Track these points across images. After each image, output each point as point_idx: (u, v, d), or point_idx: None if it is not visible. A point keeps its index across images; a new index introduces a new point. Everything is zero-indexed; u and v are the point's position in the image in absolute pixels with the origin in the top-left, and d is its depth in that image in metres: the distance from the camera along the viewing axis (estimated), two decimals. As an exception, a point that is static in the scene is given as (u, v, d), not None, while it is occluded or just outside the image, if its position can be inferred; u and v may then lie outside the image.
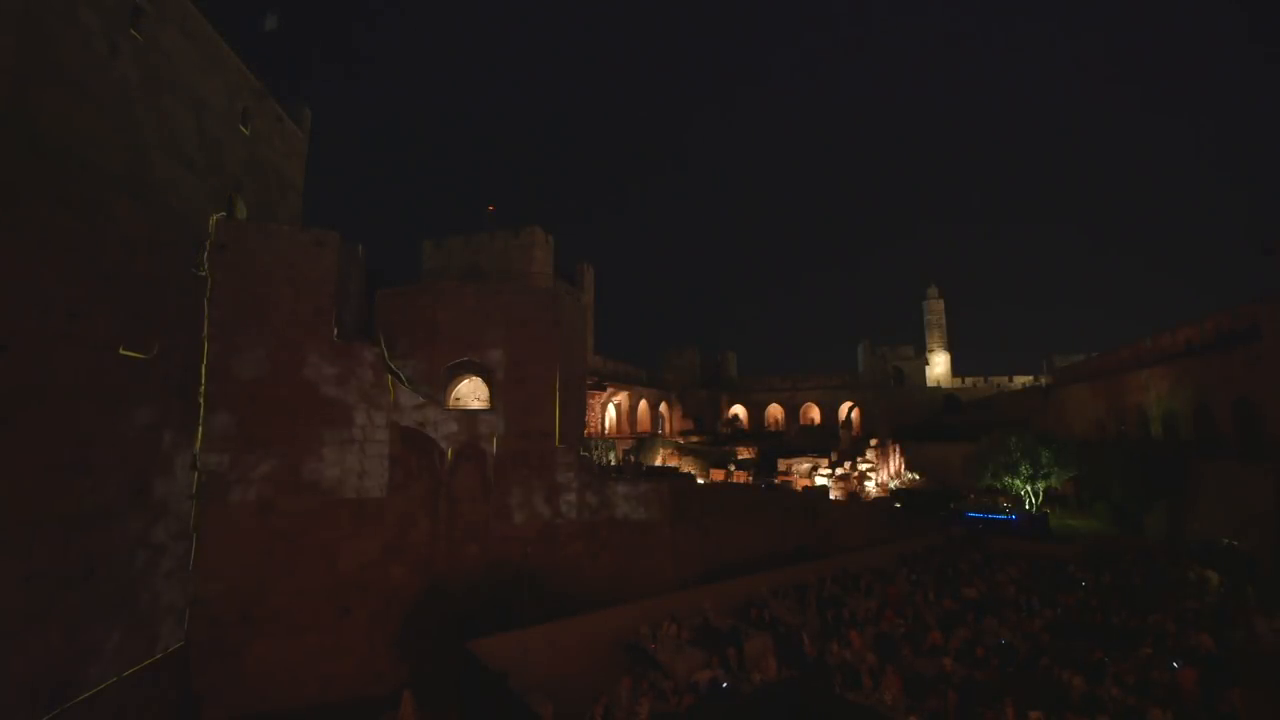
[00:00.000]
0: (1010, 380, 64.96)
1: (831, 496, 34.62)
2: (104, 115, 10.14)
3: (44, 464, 9.06)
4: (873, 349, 65.72)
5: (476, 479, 14.85)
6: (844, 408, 63.39)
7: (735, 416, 65.13)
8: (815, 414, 65.19)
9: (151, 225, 11.29)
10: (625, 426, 50.65)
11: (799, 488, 37.53)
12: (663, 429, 57.53)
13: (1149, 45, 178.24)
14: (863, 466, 41.54)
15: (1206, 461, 26.08)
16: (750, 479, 40.27)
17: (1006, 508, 32.83)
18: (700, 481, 37.58)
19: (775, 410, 66.43)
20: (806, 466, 42.14)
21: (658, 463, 44.58)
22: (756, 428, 63.36)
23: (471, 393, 17.19)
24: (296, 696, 12.55)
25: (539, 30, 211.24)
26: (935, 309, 75.23)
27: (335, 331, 13.98)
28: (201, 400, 12.75)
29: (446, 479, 14.55)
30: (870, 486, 39.90)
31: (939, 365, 72.52)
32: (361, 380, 13.96)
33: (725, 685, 11.08)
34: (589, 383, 29.44)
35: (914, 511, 31.49)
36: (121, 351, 10.44)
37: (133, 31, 10.85)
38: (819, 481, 39.72)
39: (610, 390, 47.32)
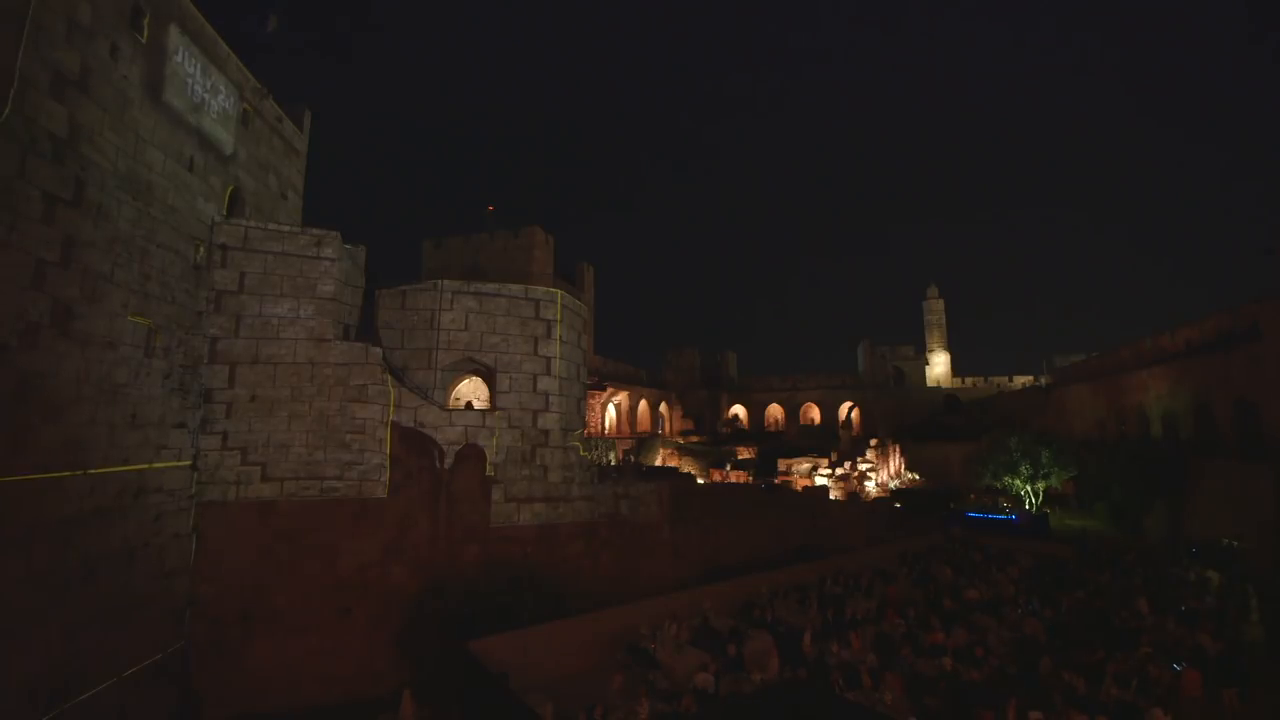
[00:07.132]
0: (1010, 380, 65.02)
1: (831, 496, 34.64)
2: (104, 115, 10.14)
3: (43, 464, 9.06)
4: (873, 349, 65.75)
5: (476, 479, 14.84)
6: (844, 408, 63.40)
7: (735, 416, 65.13)
8: (815, 414, 65.20)
9: (151, 225, 11.29)
10: (625, 426, 50.64)
11: (799, 488, 37.59)
12: (663, 429, 57.55)
13: (1149, 45, 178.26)
14: (863, 466, 41.56)
15: (1206, 461, 26.08)
16: (750, 479, 40.33)
17: (1006, 508, 32.85)
18: (700, 481, 37.63)
19: (775, 410, 66.43)
20: (806, 466, 42.15)
21: (658, 463, 44.64)
22: (756, 428, 63.37)
23: (471, 393, 17.19)
24: (296, 697, 12.56)
25: (540, 30, 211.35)
26: (935, 309, 75.29)
27: (336, 331, 13.99)
28: (202, 400, 12.77)
29: (446, 479, 14.54)
30: (870, 486, 39.91)
31: (939, 365, 72.56)
32: (362, 380, 13.97)
33: (725, 686, 11.08)
34: (589, 383, 29.44)
35: (914, 511, 31.51)
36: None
37: (132, 31, 10.86)
38: (819, 481, 39.74)
39: (610, 390, 47.31)
